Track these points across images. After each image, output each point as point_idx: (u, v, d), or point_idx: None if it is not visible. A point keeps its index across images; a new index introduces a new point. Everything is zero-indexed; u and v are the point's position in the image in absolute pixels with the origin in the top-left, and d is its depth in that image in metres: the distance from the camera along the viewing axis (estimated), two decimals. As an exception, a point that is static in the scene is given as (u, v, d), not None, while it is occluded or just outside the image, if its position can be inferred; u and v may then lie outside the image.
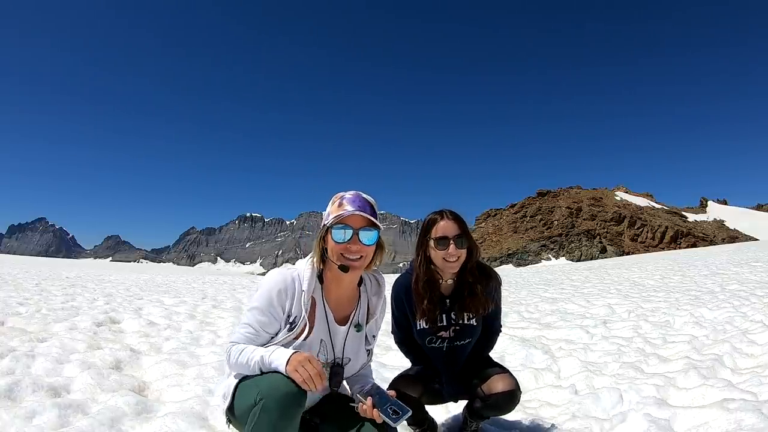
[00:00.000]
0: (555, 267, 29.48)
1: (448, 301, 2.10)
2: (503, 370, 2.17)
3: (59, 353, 3.59)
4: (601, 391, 2.72)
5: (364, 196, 1.66)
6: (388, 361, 3.80)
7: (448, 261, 1.99)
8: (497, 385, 2.07)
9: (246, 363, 1.55)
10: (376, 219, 1.64)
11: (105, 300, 7.77)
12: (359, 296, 1.78)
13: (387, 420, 1.54)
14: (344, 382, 1.82)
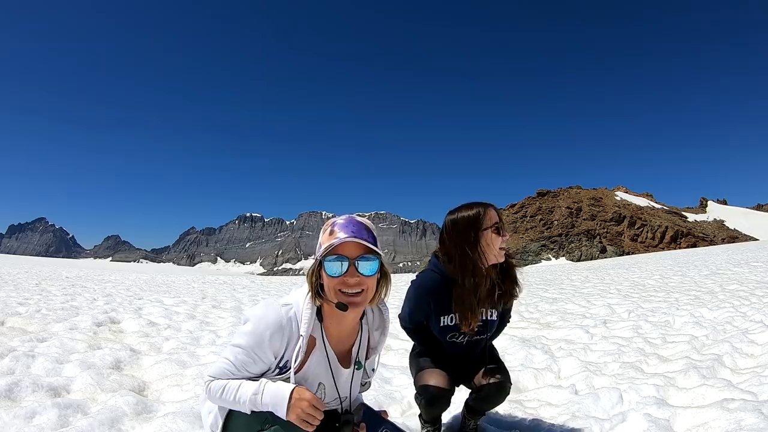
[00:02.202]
0: (555, 267, 29.46)
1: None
2: (496, 363, 2.18)
3: (59, 353, 3.59)
4: (601, 391, 2.71)
5: (359, 219, 1.46)
6: (388, 361, 3.80)
7: (503, 249, 1.98)
8: (487, 376, 2.08)
9: (234, 400, 1.40)
10: (376, 245, 1.43)
11: (105, 300, 7.77)
12: (360, 330, 1.59)
13: None
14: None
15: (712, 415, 2.19)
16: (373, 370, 1.67)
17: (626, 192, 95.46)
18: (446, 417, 2.56)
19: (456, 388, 2.17)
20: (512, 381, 3.13)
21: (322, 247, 1.41)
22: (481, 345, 2.18)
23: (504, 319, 2.26)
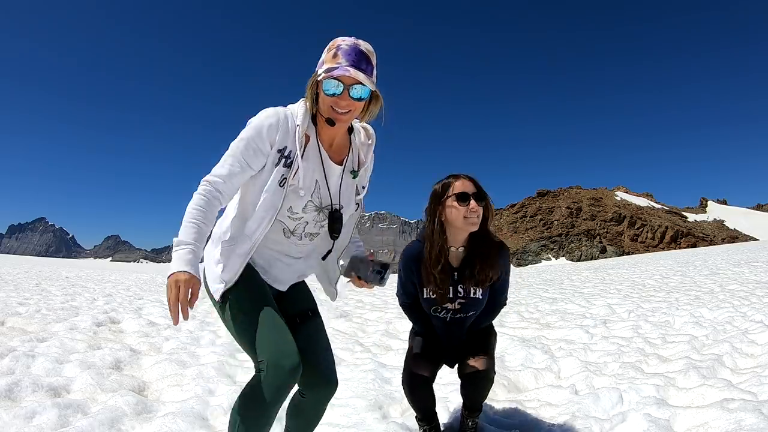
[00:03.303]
0: (555, 267, 29.48)
1: (456, 273, 2.06)
2: (484, 351, 2.13)
3: (59, 353, 3.59)
4: (601, 391, 2.71)
5: (362, 47, 1.52)
6: (388, 361, 3.80)
7: (469, 218, 1.95)
8: (472, 364, 2.07)
9: (182, 226, 1.44)
10: (373, 74, 1.53)
11: (105, 300, 7.77)
12: (350, 144, 1.70)
13: (376, 284, 1.68)
14: (339, 260, 1.77)
15: (712, 415, 2.19)
16: (363, 187, 1.75)
17: (626, 192, 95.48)
18: (446, 417, 2.57)
19: (440, 369, 2.20)
20: (512, 381, 3.16)
21: (323, 67, 1.52)
22: (466, 324, 2.14)
23: (496, 299, 2.18)
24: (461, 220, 1.96)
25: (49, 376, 3.03)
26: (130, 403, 2.53)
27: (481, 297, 2.08)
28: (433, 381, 2.16)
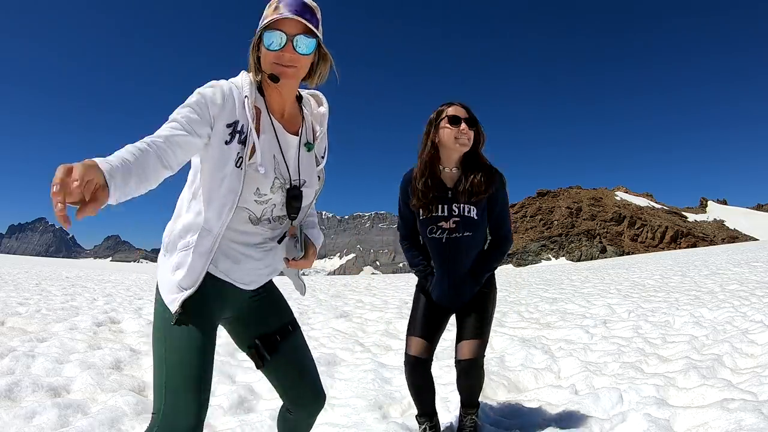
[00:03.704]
0: (555, 267, 29.48)
1: (450, 192, 2.14)
2: (476, 332, 2.13)
3: (59, 353, 3.59)
4: (601, 391, 2.72)
5: (307, 1, 1.41)
6: (388, 361, 3.80)
7: (459, 140, 2.05)
8: (462, 351, 2.12)
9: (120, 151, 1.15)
10: (318, 27, 1.41)
11: (105, 300, 7.77)
12: (302, 115, 1.55)
13: (296, 258, 1.47)
14: (306, 232, 1.57)
15: (712, 415, 2.19)
16: (322, 157, 1.59)
17: (626, 192, 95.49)
18: (446, 417, 2.57)
19: (439, 340, 2.23)
20: (512, 381, 3.17)
21: (265, 21, 1.39)
22: (463, 246, 2.15)
23: (496, 233, 2.20)
24: (452, 141, 2.07)
25: (49, 376, 3.03)
26: (130, 403, 2.53)
27: (476, 217, 2.12)
28: (430, 363, 2.18)
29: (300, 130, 1.51)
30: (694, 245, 62.64)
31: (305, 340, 1.62)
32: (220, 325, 1.50)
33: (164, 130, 1.27)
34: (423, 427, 2.25)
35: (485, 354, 2.18)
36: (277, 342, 1.52)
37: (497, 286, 2.33)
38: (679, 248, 59.89)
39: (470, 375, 2.15)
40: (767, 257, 14.19)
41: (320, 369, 3.34)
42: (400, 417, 2.59)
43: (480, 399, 2.61)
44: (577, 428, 2.32)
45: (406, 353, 2.19)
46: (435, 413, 2.27)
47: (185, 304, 1.34)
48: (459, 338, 2.17)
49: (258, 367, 1.52)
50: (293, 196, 1.46)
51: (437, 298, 2.18)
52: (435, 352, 2.27)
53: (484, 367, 2.22)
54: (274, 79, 1.39)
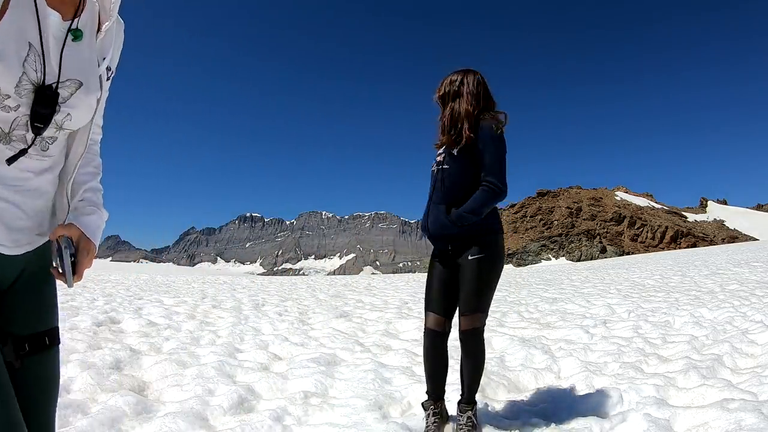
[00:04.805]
0: (555, 267, 29.49)
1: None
2: (466, 308, 2.23)
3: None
4: (601, 391, 2.72)
5: None
6: (389, 362, 3.80)
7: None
8: (460, 326, 2.27)
9: None
10: None
11: (105, 300, 7.77)
12: None
13: (61, 272, 1.08)
14: (79, 223, 1.15)
15: (712, 415, 2.19)
16: (109, 68, 1.15)
17: (626, 192, 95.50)
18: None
19: (452, 318, 2.35)
20: (512, 381, 3.16)
21: None
22: (447, 177, 2.31)
23: (482, 177, 2.25)
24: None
25: (49, 376, 3.03)
26: (130, 403, 2.53)
27: (456, 154, 2.27)
28: (447, 336, 2.31)
29: (77, 11, 1.07)
30: (694, 245, 62.66)
31: (58, 367, 1.20)
32: None
33: None
34: (428, 413, 2.26)
35: (483, 324, 2.29)
36: (24, 353, 1.11)
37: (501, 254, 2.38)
38: (679, 248, 59.91)
39: (468, 345, 2.28)
40: (767, 257, 14.20)
41: (320, 369, 3.36)
42: (400, 417, 2.59)
43: (480, 399, 2.61)
44: (577, 428, 2.32)
45: (425, 327, 2.36)
46: (442, 398, 2.29)
47: None
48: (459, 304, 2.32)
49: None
50: (42, 98, 1.00)
51: (421, 227, 2.41)
52: (452, 323, 2.38)
53: (485, 366, 2.29)
54: None
